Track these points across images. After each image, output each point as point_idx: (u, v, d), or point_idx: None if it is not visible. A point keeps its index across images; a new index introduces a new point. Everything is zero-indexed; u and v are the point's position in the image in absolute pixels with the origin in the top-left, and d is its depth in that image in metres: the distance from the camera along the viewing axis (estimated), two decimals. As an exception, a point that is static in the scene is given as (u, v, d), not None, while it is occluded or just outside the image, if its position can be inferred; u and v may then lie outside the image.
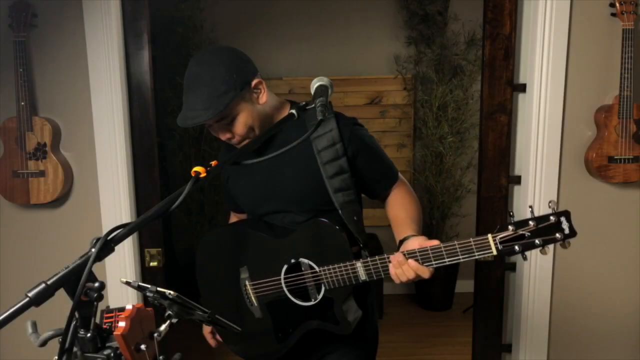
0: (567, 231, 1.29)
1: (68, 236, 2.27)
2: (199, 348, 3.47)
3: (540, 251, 1.30)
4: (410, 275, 1.38)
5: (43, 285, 0.87)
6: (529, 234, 1.29)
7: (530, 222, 1.29)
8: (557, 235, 1.28)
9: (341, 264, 1.49)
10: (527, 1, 2.19)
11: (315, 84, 1.40)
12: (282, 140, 1.53)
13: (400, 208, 1.62)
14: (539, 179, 2.20)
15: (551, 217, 1.29)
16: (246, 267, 1.64)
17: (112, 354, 0.92)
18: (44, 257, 2.28)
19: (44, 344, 0.96)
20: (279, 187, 1.61)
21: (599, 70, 2.16)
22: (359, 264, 1.47)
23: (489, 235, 1.32)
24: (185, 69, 1.52)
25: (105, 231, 0.95)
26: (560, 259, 2.27)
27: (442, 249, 1.36)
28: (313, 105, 1.34)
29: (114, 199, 2.23)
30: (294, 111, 1.34)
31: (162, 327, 0.99)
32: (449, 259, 1.36)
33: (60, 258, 1.99)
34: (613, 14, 2.10)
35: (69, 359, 0.90)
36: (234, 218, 1.92)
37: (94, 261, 0.90)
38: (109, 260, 1.15)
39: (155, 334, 0.97)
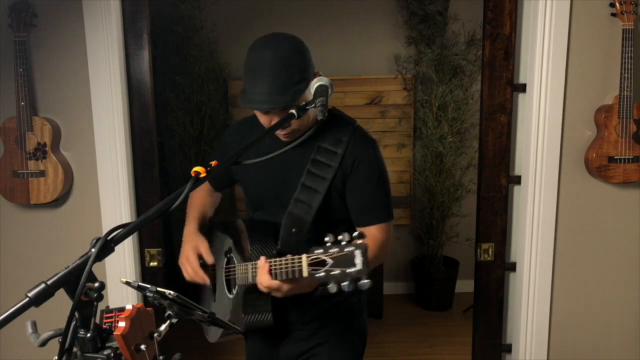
0: (359, 267, 1.07)
1: (68, 236, 2.27)
2: (199, 348, 3.48)
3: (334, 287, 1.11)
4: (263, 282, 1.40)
5: (43, 285, 0.87)
6: (331, 260, 1.10)
7: (333, 248, 1.10)
8: (351, 270, 1.07)
9: (242, 264, 1.55)
10: (527, 1, 2.19)
11: (315, 84, 1.39)
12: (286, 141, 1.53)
13: None
14: (539, 179, 2.20)
15: (345, 249, 1.08)
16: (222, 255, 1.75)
17: (112, 354, 0.92)
18: (44, 257, 2.28)
19: (44, 344, 0.96)
20: (279, 186, 1.61)
21: (599, 70, 2.16)
22: (248, 265, 1.51)
23: (304, 256, 1.21)
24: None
25: (105, 231, 0.95)
26: (560, 258, 2.27)
27: (282, 261, 1.34)
28: (313, 105, 1.34)
29: (114, 199, 2.23)
30: (293, 111, 1.34)
31: (162, 327, 1.00)
32: (279, 275, 1.34)
33: (60, 258, 1.99)
34: (613, 14, 2.10)
35: (69, 359, 0.90)
36: (203, 195, 1.85)
37: (94, 261, 0.90)
38: (109, 260, 1.15)
39: (155, 334, 0.97)
